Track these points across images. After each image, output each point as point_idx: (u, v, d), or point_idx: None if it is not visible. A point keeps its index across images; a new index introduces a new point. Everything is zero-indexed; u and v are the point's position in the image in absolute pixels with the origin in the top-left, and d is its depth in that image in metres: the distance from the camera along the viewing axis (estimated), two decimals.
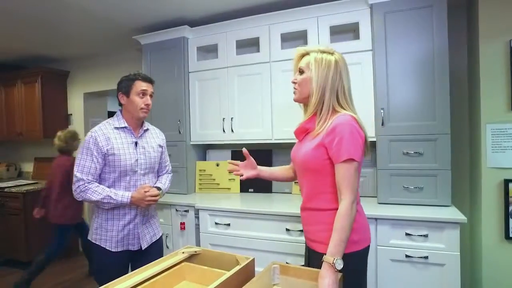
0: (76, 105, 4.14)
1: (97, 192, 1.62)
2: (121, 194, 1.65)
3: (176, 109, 2.78)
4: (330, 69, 1.28)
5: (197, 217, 2.41)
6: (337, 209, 1.24)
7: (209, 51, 2.92)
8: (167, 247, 2.52)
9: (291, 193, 2.68)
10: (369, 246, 1.35)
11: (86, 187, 1.62)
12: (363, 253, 1.31)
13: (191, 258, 1.34)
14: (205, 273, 1.25)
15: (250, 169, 1.58)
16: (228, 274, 1.10)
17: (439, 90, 2.02)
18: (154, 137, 1.86)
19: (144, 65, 2.95)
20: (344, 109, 1.29)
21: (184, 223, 2.44)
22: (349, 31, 2.49)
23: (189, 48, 2.78)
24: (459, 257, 1.76)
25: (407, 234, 1.86)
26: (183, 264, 1.31)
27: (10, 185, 3.74)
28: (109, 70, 3.83)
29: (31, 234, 3.56)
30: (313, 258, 1.34)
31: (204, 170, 2.87)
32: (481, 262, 2.06)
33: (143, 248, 1.76)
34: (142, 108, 1.71)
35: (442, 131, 2.00)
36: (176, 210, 2.48)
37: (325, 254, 1.22)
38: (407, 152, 2.08)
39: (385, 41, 2.13)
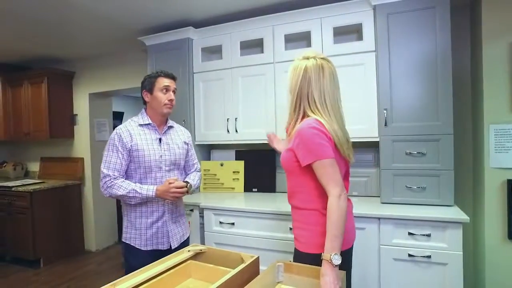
0: (81, 105, 4.18)
1: (123, 187, 1.63)
2: (146, 188, 1.65)
3: (180, 109, 2.81)
4: (299, 76, 1.34)
5: (201, 216, 2.44)
6: (310, 209, 1.33)
7: (213, 52, 2.95)
8: None
9: None
10: (351, 248, 1.39)
11: (112, 183, 1.64)
12: (343, 255, 1.24)
13: (196, 256, 1.36)
14: (211, 271, 1.27)
15: (282, 144, 1.73)
16: (233, 272, 1.12)
17: (442, 91, 2.03)
18: (179, 134, 1.88)
19: (149, 66, 2.98)
20: (314, 113, 1.31)
21: (189, 222, 2.47)
22: (352, 32, 2.51)
23: (193, 49, 2.81)
24: (462, 256, 1.78)
25: (410, 234, 1.87)
26: (189, 262, 1.33)
27: (17, 184, 3.79)
28: (114, 71, 3.87)
29: (38, 233, 3.61)
30: (294, 254, 1.40)
31: (209, 170, 2.90)
32: (484, 261, 2.07)
33: (173, 248, 1.74)
34: (165, 104, 1.74)
35: (445, 132, 2.02)
36: None
37: (297, 250, 1.33)
38: (410, 152, 2.10)
39: (388, 42, 2.14)
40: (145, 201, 1.69)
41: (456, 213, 1.86)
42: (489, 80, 2.05)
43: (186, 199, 2.55)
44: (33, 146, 4.57)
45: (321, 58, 1.35)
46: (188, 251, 1.38)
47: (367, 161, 2.49)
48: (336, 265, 1.14)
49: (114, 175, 1.65)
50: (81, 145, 4.16)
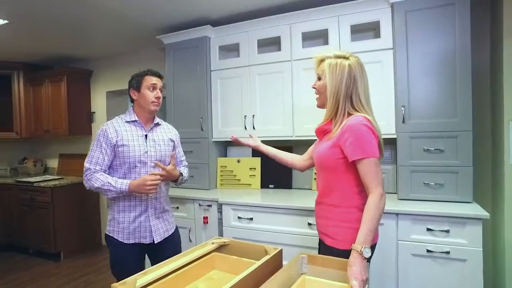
0: (99, 103, 4.28)
1: (100, 179, 1.67)
2: (121, 182, 1.67)
3: (198, 106, 2.86)
4: (343, 75, 1.33)
5: (220, 212, 2.49)
6: (348, 207, 1.34)
7: (230, 50, 2.99)
8: (190, 240, 2.61)
9: (311, 189, 2.73)
10: (375, 244, 1.41)
11: (92, 176, 1.69)
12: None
13: (220, 248, 1.39)
14: (235, 263, 1.30)
15: (251, 140, 1.81)
16: (258, 263, 1.14)
17: (461, 87, 2.03)
18: (166, 132, 1.91)
19: (167, 64, 3.04)
20: (358, 111, 1.34)
21: (207, 217, 2.53)
22: (369, 29, 2.52)
23: (211, 47, 2.85)
24: (482, 253, 1.78)
25: (428, 230, 1.88)
26: (213, 254, 1.35)
27: (38, 180, 3.90)
28: (131, 69, 3.87)
29: (59, 227, 3.72)
30: (322, 249, 1.43)
31: (225, 166, 2.94)
32: (504, 258, 2.06)
33: (155, 242, 1.78)
34: (153, 102, 1.77)
35: (464, 128, 2.02)
36: (199, 204, 2.57)
37: (332, 247, 1.33)
38: (428, 149, 2.10)
39: (406, 39, 2.15)
40: (123, 195, 1.71)
41: (476, 210, 1.86)
42: (510, 76, 2.03)
43: (205, 195, 2.61)
44: (52, 143, 4.69)
45: (355, 57, 1.38)
46: (212, 243, 1.41)
47: (384, 158, 2.45)
48: (365, 258, 1.17)
49: (95, 169, 1.69)
50: None
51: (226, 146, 3.14)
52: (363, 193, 1.32)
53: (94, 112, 4.31)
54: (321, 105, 1.45)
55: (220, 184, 2.94)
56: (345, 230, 1.34)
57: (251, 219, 2.33)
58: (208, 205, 2.52)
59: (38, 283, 3.14)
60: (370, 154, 1.25)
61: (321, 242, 1.47)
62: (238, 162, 2.92)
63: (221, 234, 2.47)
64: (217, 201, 2.48)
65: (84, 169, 1.72)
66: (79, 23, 2.93)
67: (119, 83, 4.05)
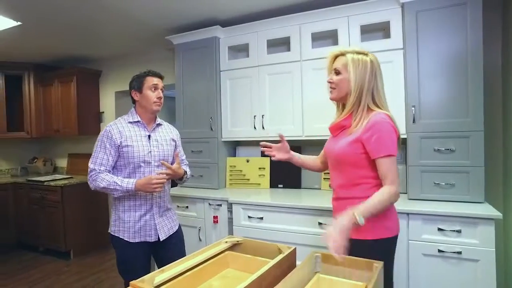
0: (108, 103, 4.32)
1: (105, 179, 1.69)
2: (127, 181, 1.70)
3: (208, 106, 2.88)
4: (366, 70, 1.36)
5: (230, 211, 2.50)
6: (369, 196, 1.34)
7: (239, 50, 3.00)
8: (200, 239, 2.63)
9: (320, 188, 2.74)
10: (397, 236, 1.43)
11: (97, 176, 1.71)
12: (393, 240, 1.42)
13: (233, 247, 1.40)
14: (248, 261, 1.31)
15: (283, 152, 1.68)
16: (272, 262, 1.15)
17: (472, 87, 2.02)
18: (168, 132, 1.95)
19: (176, 64, 3.06)
20: (379, 107, 1.37)
21: (217, 216, 2.54)
22: (378, 30, 2.52)
23: (220, 47, 2.87)
24: (495, 253, 1.78)
25: (439, 230, 1.88)
26: (226, 253, 1.37)
27: (48, 179, 3.95)
28: (139, 69, 3.87)
29: (69, 225, 3.76)
30: (355, 245, 1.40)
31: (235, 166, 2.96)
32: None
33: (161, 240, 1.82)
34: (155, 102, 1.80)
35: (475, 128, 2.01)
36: (209, 204, 2.58)
37: (358, 239, 1.33)
38: (439, 149, 2.10)
39: (416, 40, 2.15)
40: (129, 194, 1.73)
41: (488, 210, 1.86)
42: None
43: (214, 194, 2.63)
44: (61, 142, 4.74)
45: (373, 55, 1.41)
46: (226, 242, 1.43)
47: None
48: (354, 223, 1.20)
49: (100, 169, 1.71)
50: None
51: (235, 146, 3.15)
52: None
53: (103, 112, 4.36)
54: (336, 98, 1.45)
55: (229, 184, 2.96)
56: (372, 219, 1.34)
57: (261, 218, 2.34)
58: (218, 205, 2.54)
59: (49, 280, 3.18)
60: (393, 152, 1.30)
61: None
62: (247, 161, 2.94)
63: (231, 233, 2.48)
64: (227, 201, 2.49)
65: (89, 170, 1.74)
66: (89, 24, 2.96)
67: (127, 83, 4.01)
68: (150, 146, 1.80)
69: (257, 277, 1.04)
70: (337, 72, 1.42)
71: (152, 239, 1.81)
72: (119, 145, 1.73)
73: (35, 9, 2.58)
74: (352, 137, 1.36)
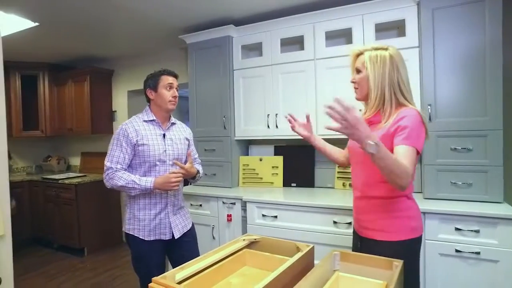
0: (120, 102, 4.36)
1: (123, 178, 1.70)
2: (145, 179, 1.71)
3: (221, 105, 2.89)
4: (386, 65, 1.33)
5: (243, 209, 2.51)
6: (397, 197, 1.33)
7: (252, 49, 3.01)
8: (213, 238, 2.64)
9: (333, 187, 2.73)
10: (421, 236, 1.40)
11: (114, 174, 1.71)
12: (420, 240, 1.38)
13: (250, 245, 1.41)
14: (266, 259, 1.31)
15: (305, 129, 1.62)
16: (292, 259, 1.15)
17: (490, 85, 1.99)
18: (181, 131, 1.96)
19: (189, 63, 3.08)
20: (408, 101, 1.34)
21: (230, 215, 2.56)
22: (393, 28, 2.50)
23: (233, 46, 2.88)
24: None
25: (457, 229, 1.87)
26: (244, 250, 1.37)
27: (62, 177, 4.02)
28: (151, 68, 3.90)
29: (82, 223, 3.82)
30: (368, 246, 1.40)
31: (248, 165, 2.97)
32: None
33: (176, 237, 1.83)
34: (170, 100, 1.81)
35: (494, 127, 1.98)
36: (223, 202, 2.60)
37: (383, 241, 1.31)
38: (455, 148, 2.08)
39: (433, 37, 2.13)
40: (146, 192, 1.75)
41: (507, 210, 1.83)
42: None
43: (228, 193, 2.64)
44: (74, 141, 4.81)
45: (394, 47, 1.37)
46: (243, 240, 1.44)
47: None
48: (367, 144, 1.07)
49: (116, 167, 1.72)
50: None
51: (248, 145, 3.16)
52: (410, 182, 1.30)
53: (116, 111, 4.40)
54: (361, 98, 1.43)
55: (243, 183, 2.97)
56: (395, 221, 1.34)
57: (276, 217, 2.35)
58: (232, 203, 2.55)
59: (66, 276, 3.25)
60: (419, 147, 1.26)
61: (364, 240, 1.44)
62: (260, 160, 2.95)
63: (244, 231, 2.49)
64: (241, 199, 2.50)
65: (105, 168, 1.74)
66: (103, 24, 2.99)
67: (140, 82, 4.05)
68: (165, 145, 1.82)
69: (278, 275, 1.04)
70: (358, 71, 1.41)
71: (167, 237, 1.82)
72: (135, 144, 1.74)
73: (52, 10, 2.62)
74: (381, 132, 1.32)
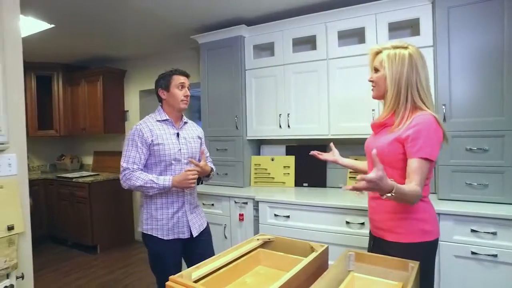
0: (132, 102, 4.41)
1: (141, 178, 1.70)
2: (163, 178, 1.71)
3: (233, 105, 2.91)
4: (404, 64, 1.30)
5: (255, 209, 2.52)
6: None
7: (264, 49, 3.01)
8: (225, 237, 2.66)
9: None
10: (438, 239, 1.38)
11: (131, 175, 1.71)
12: (434, 244, 1.36)
13: (263, 245, 1.41)
14: (280, 259, 1.31)
15: (330, 155, 1.78)
16: (307, 260, 1.15)
17: (508, 85, 1.95)
18: (193, 129, 1.97)
19: (201, 63, 3.10)
20: (425, 104, 1.31)
21: (242, 214, 2.57)
22: (406, 27, 2.47)
23: (245, 46, 2.89)
24: None
25: (472, 231, 1.84)
26: (258, 250, 1.38)
27: (76, 176, 4.09)
28: (163, 68, 3.90)
29: (96, 221, 3.88)
30: (380, 246, 1.40)
31: (259, 165, 2.98)
32: None
33: (194, 236, 1.83)
34: (182, 100, 1.82)
35: (511, 127, 1.95)
36: (235, 202, 2.61)
37: (395, 242, 1.31)
38: (471, 148, 2.05)
39: (448, 36, 2.10)
40: (163, 191, 1.75)
41: None
42: None
43: (240, 192, 2.65)
44: (87, 140, 4.88)
45: (414, 46, 1.35)
46: (257, 239, 1.45)
47: None
48: (385, 193, 1.10)
49: (133, 168, 1.72)
50: None
51: (260, 145, 3.17)
52: (426, 185, 1.30)
53: (128, 111, 4.45)
54: (378, 96, 1.42)
55: (254, 182, 2.98)
56: (409, 222, 1.32)
57: (288, 216, 2.35)
58: (244, 203, 2.56)
59: (80, 272, 3.31)
60: (433, 157, 1.24)
61: (377, 240, 1.44)
62: (272, 160, 2.95)
63: (256, 231, 2.50)
64: (253, 199, 2.51)
65: (122, 169, 1.74)
66: (116, 25, 3.03)
67: (152, 82, 4.06)
68: (180, 144, 1.83)
69: (293, 274, 1.05)
70: (376, 70, 1.39)
71: (185, 235, 1.83)
72: (150, 144, 1.75)
73: (67, 12, 2.67)
74: (392, 136, 1.31)
